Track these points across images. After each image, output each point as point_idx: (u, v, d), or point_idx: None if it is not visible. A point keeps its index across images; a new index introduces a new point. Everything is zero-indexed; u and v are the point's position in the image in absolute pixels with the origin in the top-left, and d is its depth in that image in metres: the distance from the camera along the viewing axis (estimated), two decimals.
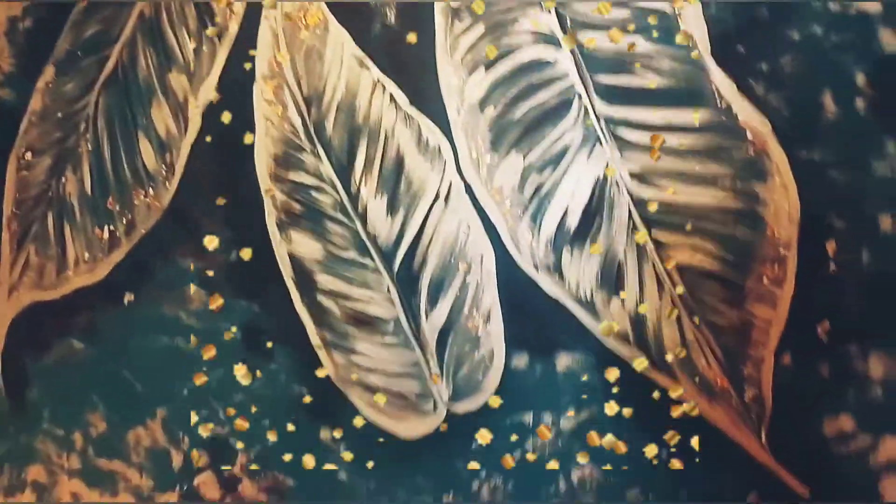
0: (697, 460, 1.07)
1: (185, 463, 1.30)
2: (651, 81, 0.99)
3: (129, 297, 1.28)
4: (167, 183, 1.23)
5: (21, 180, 1.29)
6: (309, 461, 1.24)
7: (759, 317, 1.02)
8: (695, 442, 1.07)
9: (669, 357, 1.02)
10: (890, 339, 0.99)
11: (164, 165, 1.22)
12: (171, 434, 1.30)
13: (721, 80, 0.97)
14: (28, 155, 1.27)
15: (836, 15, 0.96)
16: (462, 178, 1.10)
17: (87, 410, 1.34)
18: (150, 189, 1.23)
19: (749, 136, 0.98)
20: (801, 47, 0.98)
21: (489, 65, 1.05)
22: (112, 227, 1.26)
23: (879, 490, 1.03)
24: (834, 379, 1.02)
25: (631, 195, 1.03)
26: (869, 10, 0.94)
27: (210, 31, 1.16)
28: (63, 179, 1.27)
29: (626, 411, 1.09)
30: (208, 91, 1.18)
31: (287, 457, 1.25)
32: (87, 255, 1.28)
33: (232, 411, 1.26)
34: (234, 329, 1.24)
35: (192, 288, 1.24)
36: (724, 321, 1.03)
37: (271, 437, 1.26)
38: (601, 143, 1.03)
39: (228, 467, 1.28)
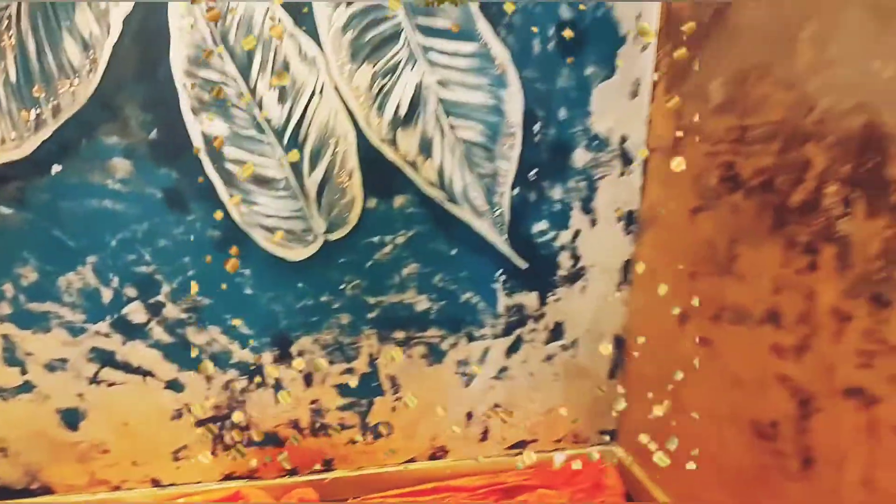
0: (470, 251, 1.87)
1: (114, 297, 1.70)
2: (449, 24, 1.69)
3: (56, 169, 1.59)
4: (91, 75, 1.56)
5: None
6: (220, 284, 1.75)
7: (502, 168, 1.83)
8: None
9: (458, 185, 1.78)
10: (564, 177, 1.88)
11: (87, 61, 1.55)
12: (102, 276, 1.68)
13: (484, 26, 1.71)
14: None
15: None
16: (332, 79, 1.68)
17: (16, 265, 1.63)
18: (76, 80, 1.55)
19: (497, 61, 1.74)
20: (522, 11, 1.75)
21: (349, 2, 1.64)
22: (38, 111, 1.55)
23: (557, 263, 1.95)
24: (537, 202, 1.89)
25: (440, 97, 1.73)
26: None
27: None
28: None
29: (438, 233, 1.83)
30: (128, 3, 1.54)
31: (202, 283, 1.74)
32: (13, 134, 1.55)
33: (156, 255, 1.69)
34: (153, 190, 1.66)
35: (117, 160, 1.61)
36: (486, 171, 1.82)
37: (189, 270, 1.72)
38: (419, 61, 1.70)
39: (158, 297, 1.72)
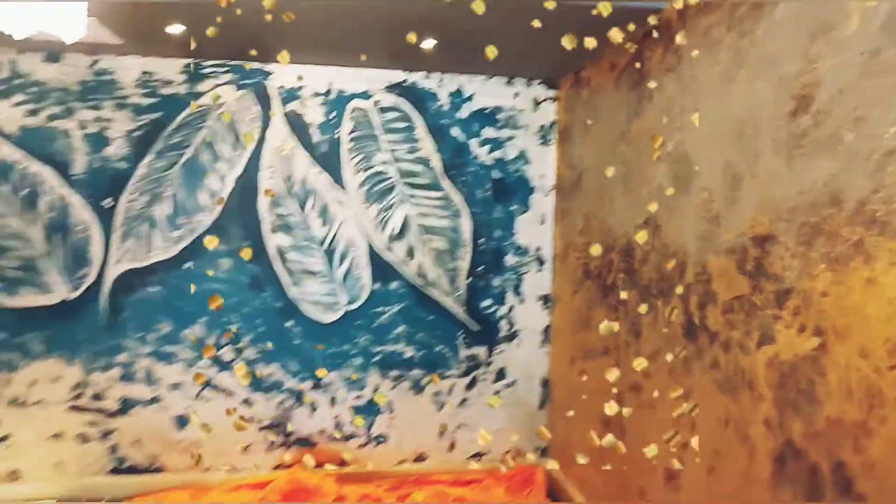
0: (440, 318, 2.89)
1: (214, 343, 2.74)
2: (421, 180, 2.81)
3: (188, 265, 2.68)
4: (213, 210, 2.68)
5: (128, 206, 2.62)
6: (278, 336, 2.78)
7: (460, 267, 2.89)
8: (425, 310, 2.89)
9: (432, 275, 2.84)
10: (500, 272, 2.93)
11: (212, 202, 2.68)
12: (208, 330, 2.73)
13: (447, 183, 2.83)
14: (134, 195, 2.61)
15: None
16: (353, 214, 2.79)
17: (157, 322, 2.69)
18: (205, 213, 2.67)
19: (455, 202, 2.85)
20: (469, 173, 2.87)
21: (362, 169, 2.77)
22: (181, 231, 2.66)
23: (499, 327, 2.96)
24: (484, 287, 2.92)
25: (419, 223, 2.83)
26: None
27: (246, 138, 2.67)
28: (153, 207, 2.64)
29: (419, 306, 2.87)
30: (239, 170, 2.68)
31: (269, 335, 2.77)
32: (165, 244, 2.66)
33: (241, 317, 2.74)
34: (243, 278, 2.73)
35: (223, 259, 2.70)
36: (450, 267, 2.88)
37: (261, 327, 2.77)
38: (406, 203, 2.81)
39: (241, 345, 2.75)
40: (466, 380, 2.97)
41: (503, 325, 2.98)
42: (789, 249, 1.30)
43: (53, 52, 2.57)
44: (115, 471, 2.73)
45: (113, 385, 2.68)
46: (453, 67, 2.79)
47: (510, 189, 2.91)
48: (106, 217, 2.64)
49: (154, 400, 2.72)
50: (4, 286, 2.62)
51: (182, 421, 2.74)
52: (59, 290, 2.64)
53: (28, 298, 2.64)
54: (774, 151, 1.33)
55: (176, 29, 2.30)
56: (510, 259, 2.94)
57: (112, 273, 2.65)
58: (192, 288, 2.68)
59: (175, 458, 2.76)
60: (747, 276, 1.46)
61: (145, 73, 2.64)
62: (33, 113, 2.60)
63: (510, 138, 2.90)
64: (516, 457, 3.02)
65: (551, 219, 2.94)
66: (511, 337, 2.99)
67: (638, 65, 2.09)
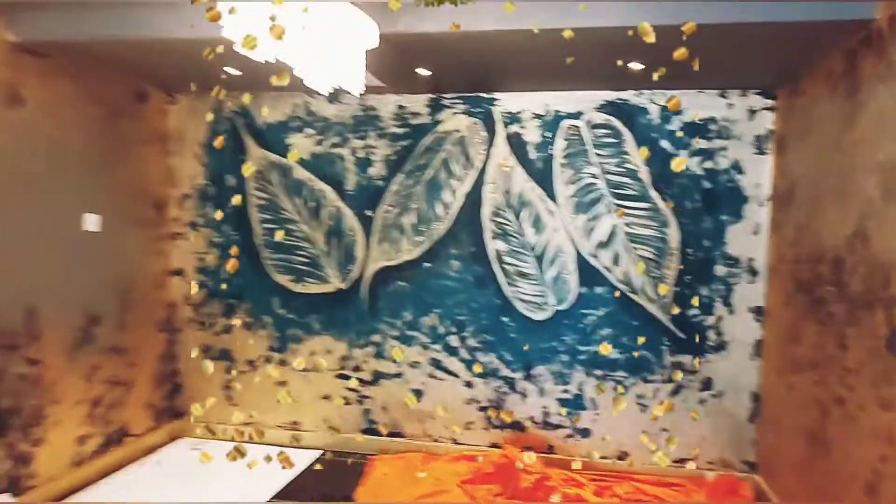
0: (644, 324, 3.04)
1: (445, 331, 3.24)
2: (629, 191, 3.00)
3: (427, 265, 3.23)
4: (446, 220, 3.19)
5: (384, 216, 3.25)
6: (497, 334, 3.18)
7: (666, 275, 3.01)
8: (630, 315, 3.04)
9: (637, 281, 3.01)
10: (709, 281, 2.98)
11: (445, 214, 3.19)
12: (441, 320, 3.24)
13: (654, 194, 2.98)
14: (390, 208, 3.23)
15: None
16: (563, 223, 3.09)
17: (403, 311, 3.27)
18: (440, 222, 3.20)
19: (662, 212, 2.99)
20: (678, 184, 2.98)
21: (572, 182, 3.06)
22: (422, 237, 3.22)
23: (706, 336, 3.01)
24: (691, 296, 3.00)
25: (626, 231, 3.03)
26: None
27: (474, 156, 3.15)
28: (401, 216, 3.24)
29: (624, 311, 3.06)
30: (468, 186, 3.16)
31: (489, 329, 3.19)
32: (410, 247, 3.24)
33: (468, 311, 3.20)
34: (469, 277, 3.20)
35: (454, 261, 3.20)
36: (656, 275, 3.02)
37: (484, 321, 3.20)
38: (611, 212, 3.03)
39: (465, 334, 3.22)
40: (671, 386, 3.07)
41: (710, 334, 3.01)
42: None
43: (334, 94, 3.33)
44: (366, 431, 3.38)
45: (368, 360, 3.34)
46: (664, 84, 2.93)
47: (721, 199, 2.95)
48: (367, 224, 3.32)
49: (397, 375, 3.31)
50: (296, 277, 3.43)
51: (418, 394, 3.30)
52: (334, 282, 3.38)
53: (312, 287, 3.42)
54: None
55: (423, 71, 2.85)
56: (720, 269, 2.97)
57: (371, 269, 3.32)
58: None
59: (412, 425, 3.33)
60: None
61: (400, 107, 3.27)
62: (319, 143, 3.38)
63: (722, 149, 2.94)
64: (719, 467, 3.03)
65: (766, 229, 2.91)
66: (719, 347, 3.01)
67: (852, 75, 2.06)
